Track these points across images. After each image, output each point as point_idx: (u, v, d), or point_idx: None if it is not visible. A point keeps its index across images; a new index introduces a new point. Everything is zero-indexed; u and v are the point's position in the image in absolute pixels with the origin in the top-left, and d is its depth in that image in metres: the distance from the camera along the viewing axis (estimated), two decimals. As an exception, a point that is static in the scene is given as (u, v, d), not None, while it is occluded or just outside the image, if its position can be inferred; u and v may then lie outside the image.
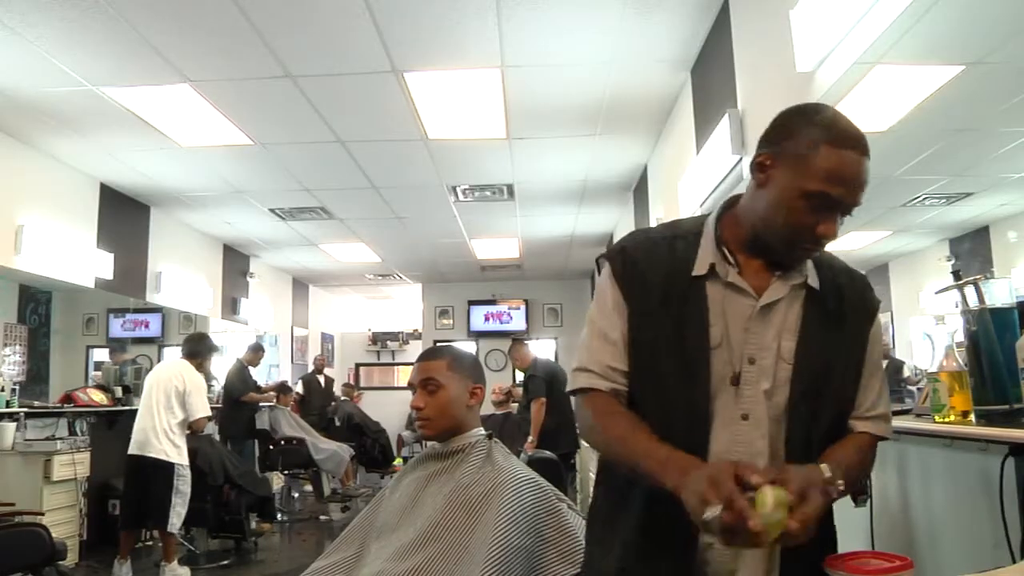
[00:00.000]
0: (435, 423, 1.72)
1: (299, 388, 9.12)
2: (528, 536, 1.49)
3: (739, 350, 1.14)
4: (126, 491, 4.46)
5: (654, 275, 1.18)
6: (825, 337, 1.15)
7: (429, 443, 1.82)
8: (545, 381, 5.34)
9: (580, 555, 1.49)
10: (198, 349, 4.71)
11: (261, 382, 7.52)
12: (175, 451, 4.36)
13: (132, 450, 4.34)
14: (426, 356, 1.79)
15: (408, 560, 1.52)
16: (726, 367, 1.13)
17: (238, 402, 6.70)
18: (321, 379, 9.29)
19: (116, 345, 6.46)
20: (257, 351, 7.08)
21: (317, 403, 8.86)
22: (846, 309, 1.18)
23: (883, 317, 3.35)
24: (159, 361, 6.53)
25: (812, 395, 1.13)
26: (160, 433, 4.30)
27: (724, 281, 1.16)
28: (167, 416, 4.35)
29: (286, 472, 7.22)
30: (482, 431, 1.76)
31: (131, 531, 4.48)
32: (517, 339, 6.16)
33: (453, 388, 1.72)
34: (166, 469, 4.31)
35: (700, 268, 1.16)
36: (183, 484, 4.38)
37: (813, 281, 1.17)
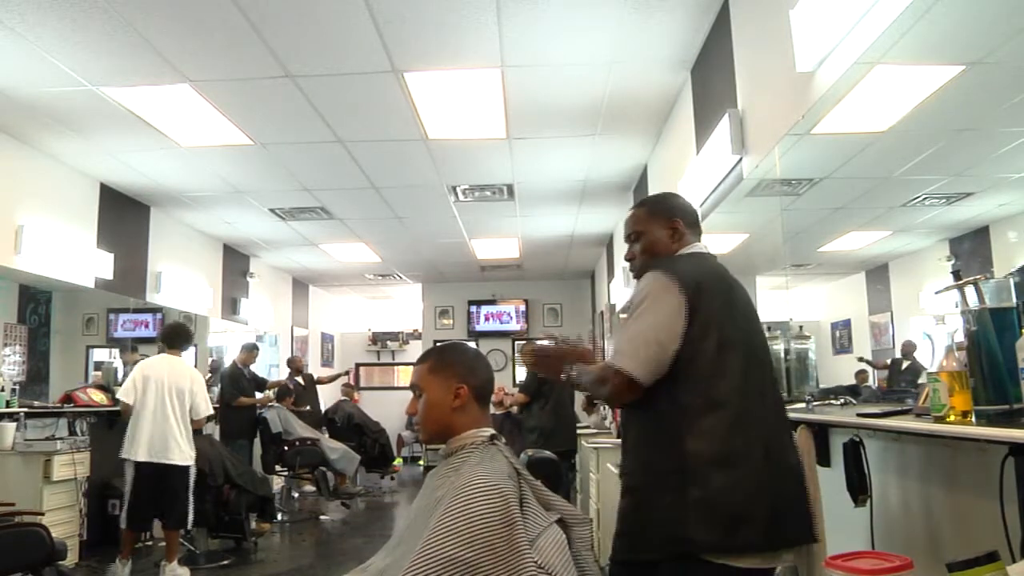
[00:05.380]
0: (424, 428, 1.73)
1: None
2: (470, 548, 1.38)
3: None
4: (140, 494, 4.35)
5: None
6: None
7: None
8: (541, 379, 5.44)
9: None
10: (178, 342, 4.67)
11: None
12: (191, 453, 4.46)
13: (149, 456, 4.28)
14: (418, 360, 1.80)
15: (385, 560, 1.60)
16: None
17: (231, 406, 6.77)
18: (300, 380, 9.00)
19: (119, 345, 6.47)
20: (251, 351, 7.08)
21: (305, 403, 8.76)
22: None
23: (883, 317, 3.32)
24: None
25: None
26: (180, 439, 4.37)
27: None
28: (184, 421, 4.42)
29: (289, 471, 7.21)
30: (484, 432, 1.68)
31: (136, 531, 4.49)
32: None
33: (433, 392, 1.69)
34: (185, 471, 4.42)
35: None
36: (192, 481, 4.51)
37: None
